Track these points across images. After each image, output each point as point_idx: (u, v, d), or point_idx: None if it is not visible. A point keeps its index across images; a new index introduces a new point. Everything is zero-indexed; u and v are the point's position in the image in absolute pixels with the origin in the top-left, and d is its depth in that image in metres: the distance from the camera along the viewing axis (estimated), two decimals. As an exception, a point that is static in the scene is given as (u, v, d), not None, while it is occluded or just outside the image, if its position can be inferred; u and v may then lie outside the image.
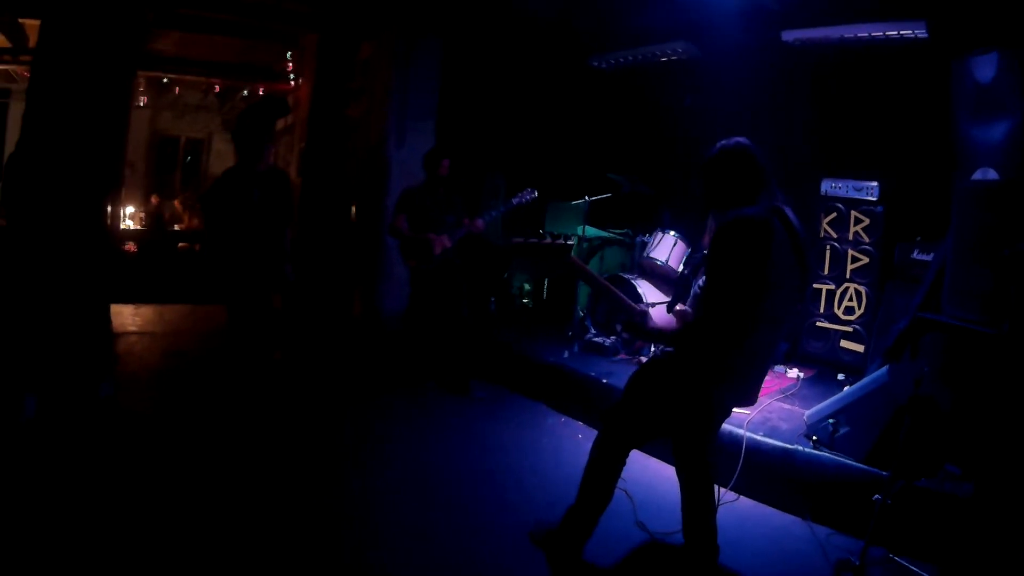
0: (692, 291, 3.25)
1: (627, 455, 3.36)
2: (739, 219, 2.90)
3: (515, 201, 6.05)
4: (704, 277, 3.08)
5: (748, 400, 3.25)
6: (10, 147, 7.28)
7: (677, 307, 3.27)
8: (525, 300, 8.93)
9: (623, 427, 3.34)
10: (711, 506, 3.33)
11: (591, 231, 7.36)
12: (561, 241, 3.18)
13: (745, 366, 3.07)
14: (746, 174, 3.06)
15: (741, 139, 3.15)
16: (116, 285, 7.35)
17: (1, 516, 3.44)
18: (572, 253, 3.21)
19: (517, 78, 9.03)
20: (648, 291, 6.26)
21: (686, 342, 3.11)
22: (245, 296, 5.06)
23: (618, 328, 6.47)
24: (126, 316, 8.06)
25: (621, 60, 8.15)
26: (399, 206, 6.05)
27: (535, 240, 3.20)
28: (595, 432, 3.48)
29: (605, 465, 3.34)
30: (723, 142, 3.16)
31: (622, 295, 3.29)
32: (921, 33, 5.66)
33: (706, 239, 3.25)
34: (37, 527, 3.36)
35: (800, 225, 3.06)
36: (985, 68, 4.46)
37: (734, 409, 3.61)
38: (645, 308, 3.21)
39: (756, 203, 2.98)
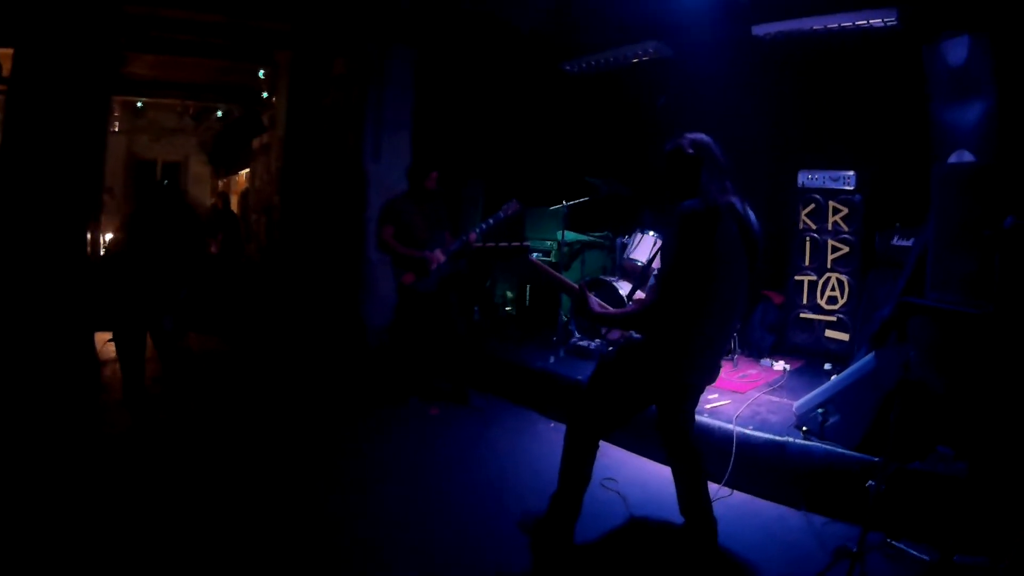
0: (649, 281, 3.32)
1: (598, 443, 3.45)
2: (684, 211, 3.05)
3: (502, 214, 5.90)
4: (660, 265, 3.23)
5: (711, 378, 3.37)
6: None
7: (636, 295, 3.36)
8: (508, 308, 8.91)
9: (592, 418, 3.42)
10: (702, 479, 3.46)
11: (571, 235, 7.35)
12: (518, 244, 3.42)
13: (703, 344, 3.17)
14: (691, 170, 3.21)
15: (697, 136, 3.30)
16: (100, 313, 7.26)
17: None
18: (535, 256, 3.37)
19: (491, 86, 9.05)
20: (628, 292, 6.19)
21: (639, 322, 3.24)
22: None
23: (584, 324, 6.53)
24: (111, 344, 7.95)
25: (593, 63, 8.18)
26: (383, 218, 5.77)
27: (492, 244, 3.50)
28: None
29: (579, 456, 3.41)
30: (673, 141, 3.35)
31: (563, 279, 3.46)
32: (891, 21, 5.70)
33: None
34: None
35: (751, 216, 3.22)
36: (957, 51, 4.50)
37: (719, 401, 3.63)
38: (587, 295, 3.32)
39: (700, 195, 3.11)
